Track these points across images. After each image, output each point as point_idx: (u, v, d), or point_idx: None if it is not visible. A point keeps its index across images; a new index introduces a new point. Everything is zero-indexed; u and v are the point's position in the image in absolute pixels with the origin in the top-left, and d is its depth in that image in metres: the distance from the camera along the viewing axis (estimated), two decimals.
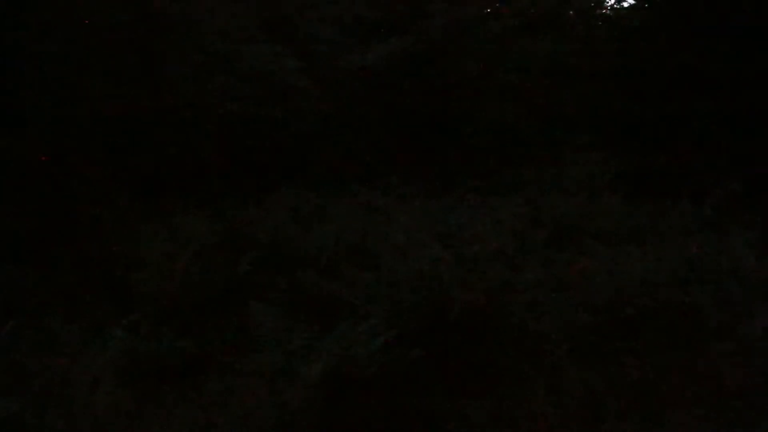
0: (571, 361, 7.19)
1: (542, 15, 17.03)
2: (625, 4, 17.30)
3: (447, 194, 11.18)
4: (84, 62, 12.22)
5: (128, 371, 7.02)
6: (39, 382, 6.72)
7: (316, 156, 13.41)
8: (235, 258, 9.08)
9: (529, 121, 15.16)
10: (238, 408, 6.66)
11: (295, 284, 8.52)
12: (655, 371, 7.13)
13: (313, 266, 8.81)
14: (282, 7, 15.27)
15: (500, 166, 13.24)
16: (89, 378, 6.71)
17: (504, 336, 7.51)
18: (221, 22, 13.85)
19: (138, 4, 13.06)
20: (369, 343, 7.04)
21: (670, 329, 7.62)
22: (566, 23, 17.21)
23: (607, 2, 17.84)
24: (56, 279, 8.77)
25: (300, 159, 13.13)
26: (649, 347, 7.40)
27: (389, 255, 8.50)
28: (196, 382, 7.12)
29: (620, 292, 7.86)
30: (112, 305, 8.25)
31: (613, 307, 7.75)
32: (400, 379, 7.00)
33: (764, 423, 6.76)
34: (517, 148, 14.34)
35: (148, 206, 10.78)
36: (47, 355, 7.00)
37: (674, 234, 9.48)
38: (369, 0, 15.98)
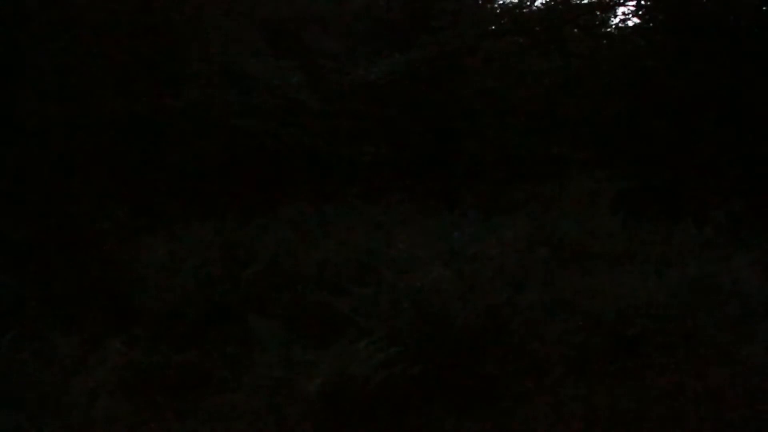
0: (571, 380, 7.17)
1: (548, 32, 17.07)
2: (630, 23, 17.36)
3: (449, 211, 11.19)
4: (87, 72, 12.24)
5: (127, 384, 7.01)
6: (38, 393, 6.70)
7: (319, 171, 13.42)
8: (236, 272, 9.08)
9: (533, 138, 15.18)
10: (237, 422, 6.64)
11: (295, 299, 8.52)
12: (656, 391, 7.10)
13: (314, 281, 8.81)
14: (288, 22, 15.32)
15: (503, 183, 13.26)
16: (88, 390, 6.69)
17: (505, 354, 7.48)
18: (227, 36, 13.90)
19: (144, 16, 13.10)
20: (369, 358, 7.02)
21: (671, 349, 7.60)
22: (571, 41, 17.22)
23: (612, 21, 17.91)
24: (56, 291, 8.76)
25: (303, 174, 13.13)
26: (650, 367, 7.38)
27: (391, 271, 8.48)
28: (196, 395, 7.11)
29: (622, 312, 7.84)
30: (112, 317, 8.24)
31: (614, 327, 7.73)
32: (399, 396, 6.98)
33: None
34: (520, 165, 14.36)
35: (150, 218, 10.79)
36: (46, 367, 6.98)
37: (676, 254, 9.47)
38: (374, 15, 16.03)
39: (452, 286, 8.04)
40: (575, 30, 17.64)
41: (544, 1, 18.85)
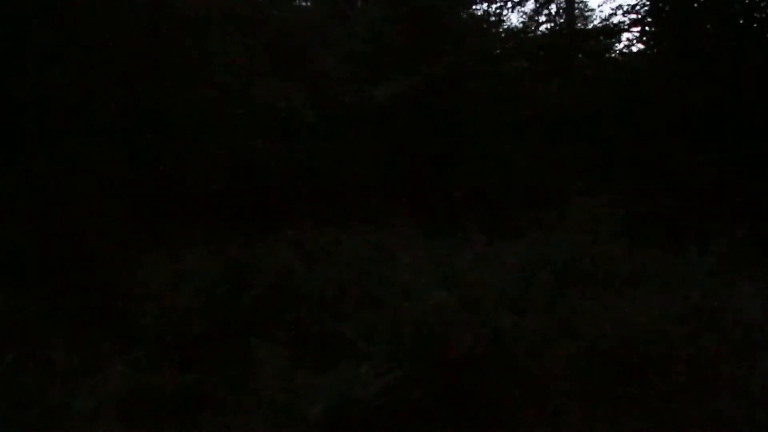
0: (573, 407, 7.15)
1: (552, 57, 17.11)
2: (634, 49, 17.42)
3: (452, 235, 11.17)
4: (92, 92, 12.27)
5: (128, 404, 6.99)
6: (39, 412, 6.69)
7: (323, 193, 13.42)
8: (238, 293, 9.06)
9: (536, 162, 15.17)
10: None
11: (297, 321, 8.49)
12: (659, 418, 7.08)
13: (316, 304, 8.79)
14: (292, 43, 15.37)
15: (506, 207, 13.23)
16: (89, 410, 6.68)
17: (506, 380, 7.46)
18: (232, 56, 13.94)
19: (152, 34, 13.16)
20: (370, 383, 7.01)
21: (674, 376, 7.57)
22: (575, 66, 17.26)
23: (616, 47, 17.96)
24: (58, 310, 8.75)
25: (306, 196, 13.13)
26: (652, 394, 7.36)
27: (393, 295, 8.47)
28: (196, 417, 7.09)
29: (624, 339, 7.81)
30: (114, 337, 8.22)
31: (616, 353, 7.70)
32: (401, 420, 6.95)
33: None
34: (522, 189, 14.34)
35: (153, 238, 10.78)
36: (48, 386, 6.97)
37: (679, 281, 9.43)
38: (379, 38, 16.06)
39: (454, 311, 8.02)
40: (579, 55, 17.68)
41: (548, 26, 18.96)
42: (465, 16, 19.16)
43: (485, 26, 18.67)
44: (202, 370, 7.77)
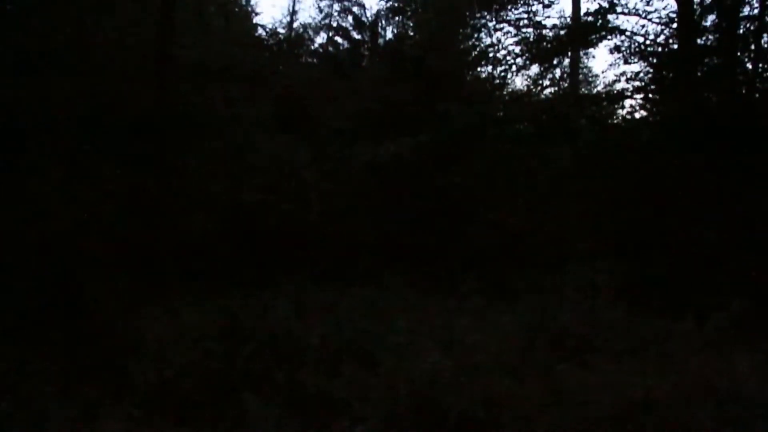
0: None
1: (555, 121, 17.20)
2: (637, 116, 17.52)
3: (450, 297, 11.17)
4: (97, 143, 12.34)
5: None
6: None
7: (321, 251, 13.42)
8: (234, 349, 9.03)
9: (535, 226, 15.17)
10: None
11: (292, 379, 8.45)
12: None
13: (312, 362, 8.76)
14: (297, 100, 15.48)
15: (504, 270, 13.22)
16: None
17: None
18: (238, 111, 14.03)
19: (157, 85, 13.25)
20: None
21: None
22: (578, 131, 17.34)
23: (619, 113, 18.07)
24: (53, 361, 8.72)
25: (305, 253, 13.13)
26: None
27: (389, 357, 8.45)
28: None
29: (619, 408, 7.77)
30: (108, 390, 8.18)
31: (611, 424, 7.65)
32: None
33: None
34: (522, 252, 14.33)
35: (151, 291, 10.78)
36: None
37: (676, 350, 9.40)
38: (383, 97, 16.17)
39: (450, 374, 7.99)
40: (582, 120, 17.77)
41: (552, 91, 19.10)
42: (469, 78, 19.34)
43: (489, 88, 18.81)
44: (196, 425, 7.73)
